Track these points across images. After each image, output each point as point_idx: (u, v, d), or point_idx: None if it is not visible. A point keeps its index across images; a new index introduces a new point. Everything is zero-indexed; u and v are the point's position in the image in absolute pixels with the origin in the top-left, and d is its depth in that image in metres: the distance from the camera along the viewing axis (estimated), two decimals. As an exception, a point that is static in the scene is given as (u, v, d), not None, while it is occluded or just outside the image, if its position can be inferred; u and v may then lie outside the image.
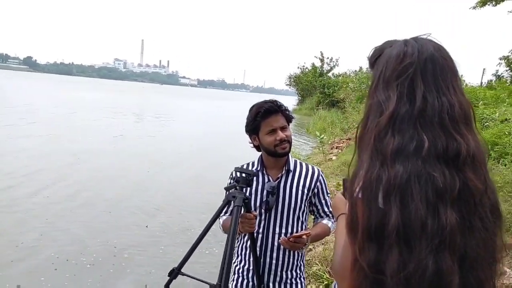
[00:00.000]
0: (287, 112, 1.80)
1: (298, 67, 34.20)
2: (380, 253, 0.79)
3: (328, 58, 31.44)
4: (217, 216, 1.69)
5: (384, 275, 0.77)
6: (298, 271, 1.84)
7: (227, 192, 1.69)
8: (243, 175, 1.63)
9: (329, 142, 12.43)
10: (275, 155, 1.78)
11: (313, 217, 1.94)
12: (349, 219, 0.87)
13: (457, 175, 0.79)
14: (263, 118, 1.74)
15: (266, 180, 1.81)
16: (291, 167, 1.82)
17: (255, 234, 1.78)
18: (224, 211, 1.76)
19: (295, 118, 1.88)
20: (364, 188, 0.84)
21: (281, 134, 1.74)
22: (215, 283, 1.58)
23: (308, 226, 1.90)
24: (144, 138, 12.62)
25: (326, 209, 1.85)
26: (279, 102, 1.81)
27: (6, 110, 16.32)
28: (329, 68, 31.26)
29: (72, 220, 5.19)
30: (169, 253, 4.47)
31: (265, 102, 1.79)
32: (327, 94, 26.20)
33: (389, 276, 0.76)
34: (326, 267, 3.76)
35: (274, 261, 1.78)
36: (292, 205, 1.78)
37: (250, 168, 1.87)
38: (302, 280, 1.86)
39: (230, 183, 1.83)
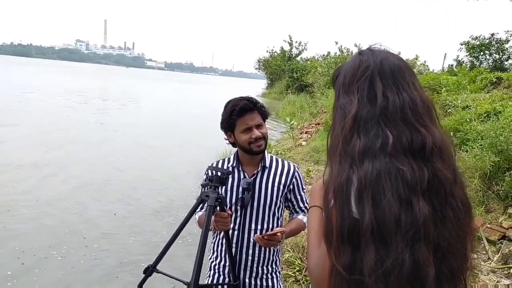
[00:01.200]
0: (263, 109, 1.78)
1: (267, 51, 34.02)
2: (355, 254, 0.79)
3: (296, 42, 31.45)
4: (191, 214, 1.67)
5: (362, 275, 0.78)
6: (274, 266, 1.86)
7: (202, 190, 1.67)
8: (218, 173, 1.61)
9: (299, 127, 12.55)
10: (251, 153, 1.77)
11: (288, 212, 1.94)
12: (325, 229, 0.87)
13: (425, 166, 0.81)
14: (239, 116, 1.72)
15: (242, 176, 1.80)
16: (267, 164, 1.82)
17: (231, 231, 1.77)
18: (200, 207, 1.75)
19: (271, 114, 1.86)
20: (335, 192, 0.84)
21: (256, 133, 1.72)
22: (188, 281, 1.57)
23: (284, 221, 1.91)
24: (110, 124, 12.24)
25: (301, 205, 1.87)
26: (255, 99, 1.78)
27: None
28: (297, 52, 31.29)
29: (38, 211, 5.00)
30: (140, 241, 4.43)
31: (241, 99, 1.76)
32: (295, 78, 26.29)
33: (367, 275, 0.77)
34: (298, 254, 3.83)
35: (250, 257, 1.79)
36: (268, 202, 1.78)
37: (226, 164, 1.85)
38: (278, 274, 1.88)
39: (205, 179, 1.81)
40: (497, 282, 3.25)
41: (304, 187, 1.89)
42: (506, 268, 3.40)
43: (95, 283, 3.56)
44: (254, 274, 1.80)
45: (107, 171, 7.03)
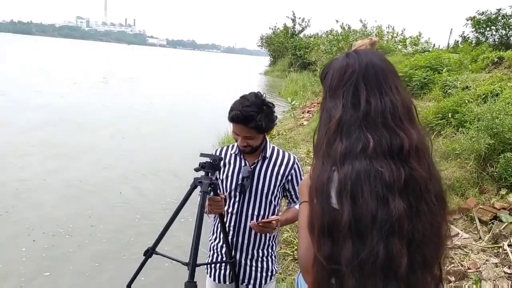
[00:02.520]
0: (261, 126, 1.73)
1: (270, 28, 33.55)
2: (334, 247, 0.89)
3: (300, 18, 30.95)
4: (185, 200, 1.76)
5: (340, 265, 0.88)
6: (270, 250, 1.97)
7: (195, 178, 1.74)
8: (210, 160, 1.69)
9: (300, 106, 12.56)
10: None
11: (286, 202, 2.04)
12: (309, 223, 0.96)
13: (403, 167, 0.89)
14: (230, 121, 1.78)
15: (243, 164, 1.89)
16: (268, 154, 1.90)
17: (229, 215, 1.89)
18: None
19: (271, 128, 1.86)
20: (317, 190, 0.93)
21: (240, 142, 1.80)
22: (187, 261, 1.69)
23: (281, 210, 2.02)
24: (117, 106, 12.32)
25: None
26: (255, 114, 1.71)
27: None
28: (300, 28, 30.83)
29: (44, 191, 5.17)
30: (145, 220, 4.61)
31: (240, 108, 1.72)
32: (298, 56, 26.03)
33: (344, 265, 0.87)
34: (296, 233, 3.98)
35: (246, 241, 1.90)
36: (265, 190, 1.87)
37: (229, 151, 1.95)
38: (274, 258, 1.99)
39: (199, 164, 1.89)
40: (486, 260, 3.39)
41: (303, 178, 1.97)
42: (495, 247, 3.53)
43: (102, 261, 3.73)
44: (249, 256, 1.92)
45: (112, 152, 7.17)
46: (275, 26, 32.98)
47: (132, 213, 4.80)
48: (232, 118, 1.75)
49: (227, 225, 1.90)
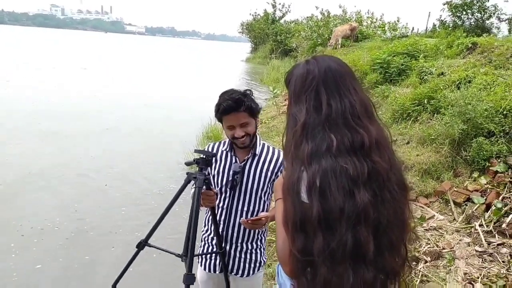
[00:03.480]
0: (251, 108, 1.83)
1: (250, 14, 33.31)
2: (307, 240, 0.98)
3: (280, 4, 30.80)
4: (179, 193, 1.83)
5: (313, 256, 0.97)
6: (259, 243, 2.05)
7: (189, 173, 1.81)
8: (203, 156, 1.76)
9: (283, 94, 12.63)
10: (236, 146, 1.92)
11: None
12: (283, 220, 1.05)
13: (365, 161, 0.99)
14: (222, 114, 1.82)
15: (233, 161, 1.94)
16: (258, 151, 1.95)
17: (220, 210, 1.97)
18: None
19: (261, 108, 1.92)
20: (288, 189, 1.03)
21: (238, 132, 1.83)
22: (180, 253, 1.79)
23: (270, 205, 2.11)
24: (96, 97, 12.14)
25: None
26: (242, 97, 1.81)
27: None
28: (281, 14, 30.69)
29: (29, 186, 5.19)
30: (131, 212, 4.66)
31: (227, 97, 1.80)
32: (279, 42, 25.99)
33: (316, 256, 0.97)
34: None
35: (235, 234, 1.98)
36: (255, 187, 1.93)
37: (220, 147, 2.00)
38: (262, 250, 2.08)
39: (193, 160, 1.91)
40: (460, 240, 3.60)
41: None
42: (468, 228, 3.74)
43: (91, 253, 3.79)
44: (239, 248, 2.01)
45: (98, 142, 7.16)
46: (255, 12, 32.77)
47: (117, 205, 4.85)
48: (224, 110, 1.79)
49: (218, 218, 1.98)
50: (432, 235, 3.72)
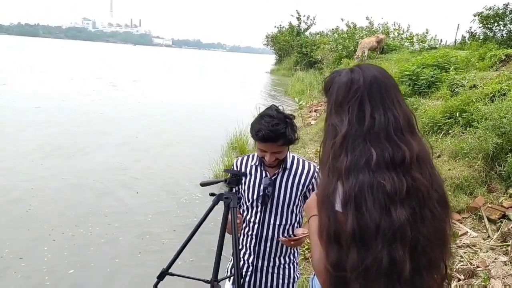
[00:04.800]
0: (291, 139, 1.77)
1: (275, 26, 33.59)
2: (340, 254, 0.96)
3: (304, 16, 30.91)
4: (205, 217, 1.76)
5: (346, 272, 0.95)
6: (292, 257, 2.01)
7: (219, 193, 1.75)
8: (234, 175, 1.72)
9: (307, 105, 12.62)
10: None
11: None
12: (319, 231, 1.04)
13: (405, 177, 0.96)
14: (258, 141, 1.78)
15: (264, 175, 1.91)
16: (288, 166, 1.92)
17: (252, 224, 1.94)
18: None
19: (298, 139, 1.84)
20: (323, 201, 1.01)
21: (268, 158, 1.80)
22: (209, 279, 1.70)
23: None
24: (129, 104, 12.47)
25: None
26: (284, 129, 1.73)
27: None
28: (306, 27, 30.78)
29: (60, 191, 5.36)
30: (159, 220, 4.72)
31: (269, 127, 1.72)
32: (304, 54, 26.02)
33: (350, 272, 0.94)
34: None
35: (268, 249, 1.94)
36: (287, 200, 1.90)
37: (249, 161, 1.98)
38: (295, 265, 2.03)
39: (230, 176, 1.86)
40: (495, 259, 3.45)
41: None
42: (504, 246, 3.58)
43: (121, 258, 3.87)
44: (271, 264, 1.96)
45: (129, 150, 7.38)
46: (280, 25, 33.01)
47: (145, 212, 4.93)
48: (263, 138, 1.73)
49: (249, 233, 1.95)
50: (465, 252, 3.59)
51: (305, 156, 6.11)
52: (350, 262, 0.94)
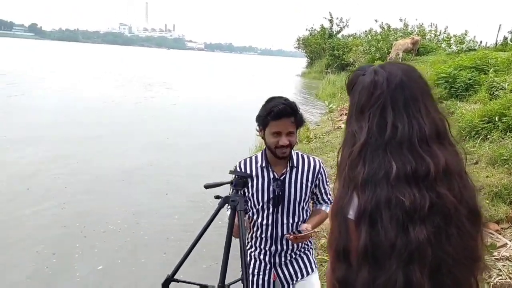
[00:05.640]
0: (302, 117, 1.82)
1: (306, 29, 33.31)
2: (348, 271, 0.90)
3: (337, 18, 30.50)
4: (211, 221, 1.70)
5: None
6: (306, 246, 2.03)
7: (226, 196, 1.71)
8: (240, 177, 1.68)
9: (338, 109, 12.42)
10: (275, 156, 1.86)
11: (311, 202, 2.07)
12: (328, 241, 0.99)
13: (428, 193, 0.87)
14: (273, 119, 1.76)
15: (272, 176, 1.90)
16: (295, 163, 1.92)
17: (264, 227, 1.93)
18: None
19: (305, 122, 1.90)
20: (336, 213, 0.94)
21: (284, 140, 1.78)
22: (215, 285, 1.63)
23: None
24: (162, 108, 12.78)
25: (325, 197, 2.01)
26: (295, 105, 1.80)
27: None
28: (338, 29, 30.38)
29: (91, 189, 5.55)
30: (184, 220, 4.77)
31: (281, 102, 1.77)
32: (336, 57, 25.70)
33: None
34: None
35: (285, 247, 1.96)
36: (298, 198, 1.91)
37: (254, 163, 1.94)
38: (311, 251, 2.06)
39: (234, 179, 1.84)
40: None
41: (328, 180, 2.02)
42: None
43: (146, 256, 3.94)
44: (289, 258, 1.99)
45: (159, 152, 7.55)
46: (312, 27, 32.75)
47: (173, 213, 4.99)
48: (279, 112, 1.73)
49: (262, 235, 1.94)
50: (504, 265, 3.38)
51: (333, 160, 5.99)
52: (360, 281, 0.88)
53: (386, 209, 0.87)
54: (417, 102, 0.95)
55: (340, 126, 9.83)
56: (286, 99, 1.79)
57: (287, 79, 29.39)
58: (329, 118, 10.15)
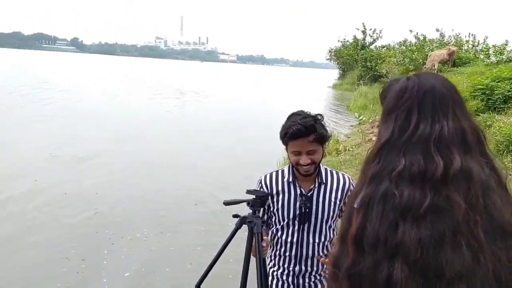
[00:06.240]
0: (323, 134, 1.70)
1: (338, 40, 33.09)
2: (341, 253, 0.96)
3: (370, 29, 30.12)
4: (230, 239, 1.70)
5: (339, 270, 0.94)
6: None
7: (242, 216, 1.69)
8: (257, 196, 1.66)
9: (370, 121, 12.17)
10: (298, 173, 1.80)
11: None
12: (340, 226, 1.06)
13: (430, 194, 0.86)
14: (290, 139, 1.71)
15: (299, 192, 1.82)
16: (323, 179, 1.83)
17: (289, 245, 1.85)
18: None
19: (331, 136, 1.80)
20: (347, 202, 1.05)
21: (304, 159, 1.71)
22: None
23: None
24: (192, 118, 13.07)
25: None
26: (312, 123, 1.68)
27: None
28: (371, 40, 29.96)
29: (126, 196, 5.71)
30: (211, 231, 4.78)
31: (296, 121, 1.68)
32: (369, 68, 25.34)
33: (341, 271, 0.94)
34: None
35: (309, 268, 1.87)
36: (325, 217, 1.82)
37: (280, 177, 1.88)
38: None
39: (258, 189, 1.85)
40: None
41: None
42: None
43: (171, 266, 4.00)
44: (313, 279, 1.90)
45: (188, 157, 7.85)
46: (344, 39, 32.52)
47: (200, 224, 5.02)
48: (293, 134, 1.67)
49: (287, 254, 1.87)
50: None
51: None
52: (343, 262, 0.93)
53: (380, 203, 0.89)
54: (446, 108, 0.95)
55: (372, 139, 9.61)
56: (303, 117, 1.70)
57: (318, 90, 29.26)
58: (359, 130, 9.98)
